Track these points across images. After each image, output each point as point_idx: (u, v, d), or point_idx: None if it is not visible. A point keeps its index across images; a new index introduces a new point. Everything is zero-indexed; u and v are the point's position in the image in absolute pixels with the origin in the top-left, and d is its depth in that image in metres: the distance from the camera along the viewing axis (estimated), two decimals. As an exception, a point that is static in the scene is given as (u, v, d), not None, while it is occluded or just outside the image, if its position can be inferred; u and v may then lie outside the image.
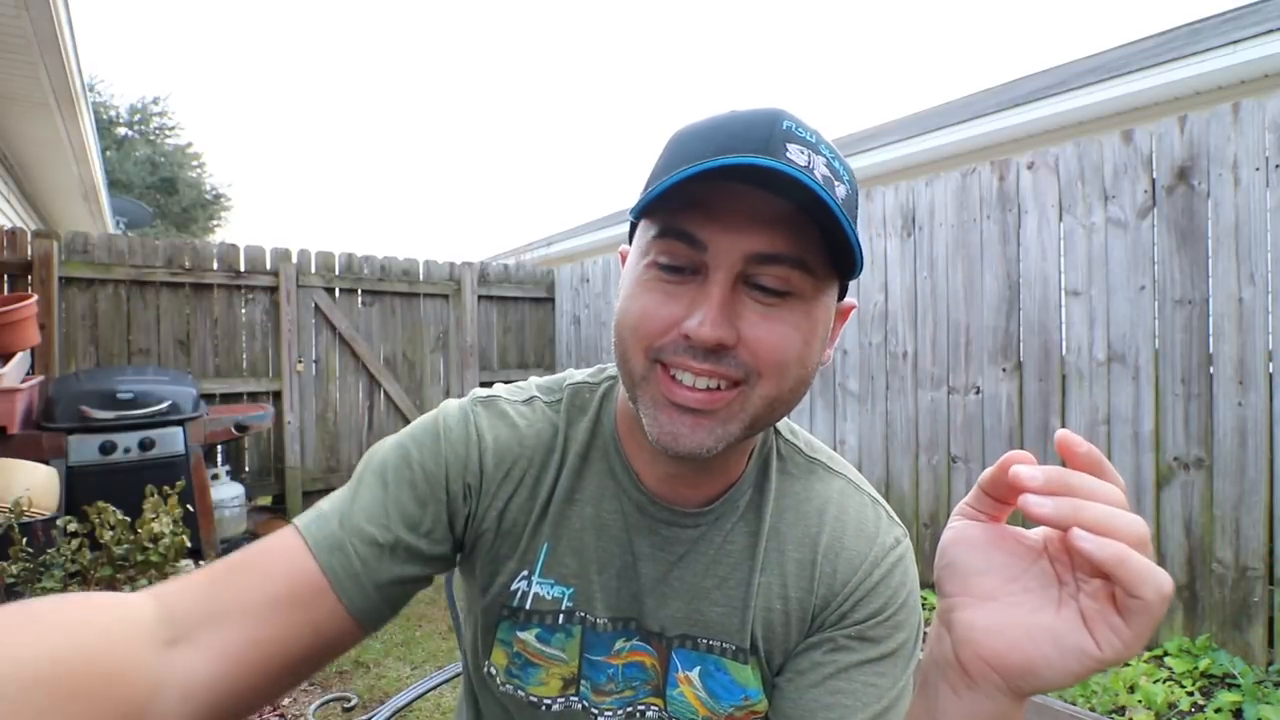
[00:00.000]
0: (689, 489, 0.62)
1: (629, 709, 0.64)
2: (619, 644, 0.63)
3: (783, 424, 0.68)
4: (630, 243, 0.61)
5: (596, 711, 0.64)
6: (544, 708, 0.65)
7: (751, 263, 0.50)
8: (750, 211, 0.49)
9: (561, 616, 0.63)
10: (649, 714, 0.64)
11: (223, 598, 0.49)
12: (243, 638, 0.48)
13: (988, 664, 0.40)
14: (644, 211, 0.52)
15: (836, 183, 0.50)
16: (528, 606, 0.63)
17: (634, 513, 0.63)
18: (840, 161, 0.52)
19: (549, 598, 0.63)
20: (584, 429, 0.65)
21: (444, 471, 0.60)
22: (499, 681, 0.66)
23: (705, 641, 0.62)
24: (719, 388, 0.52)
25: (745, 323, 0.51)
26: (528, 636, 0.63)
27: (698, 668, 0.62)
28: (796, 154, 0.48)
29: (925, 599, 2.99)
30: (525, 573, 0.63)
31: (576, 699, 0.64)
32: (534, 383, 0.69)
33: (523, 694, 0.65)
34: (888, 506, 0.67)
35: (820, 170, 0.49)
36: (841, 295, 0.58)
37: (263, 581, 0.51)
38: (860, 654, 0.58)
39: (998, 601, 0.40)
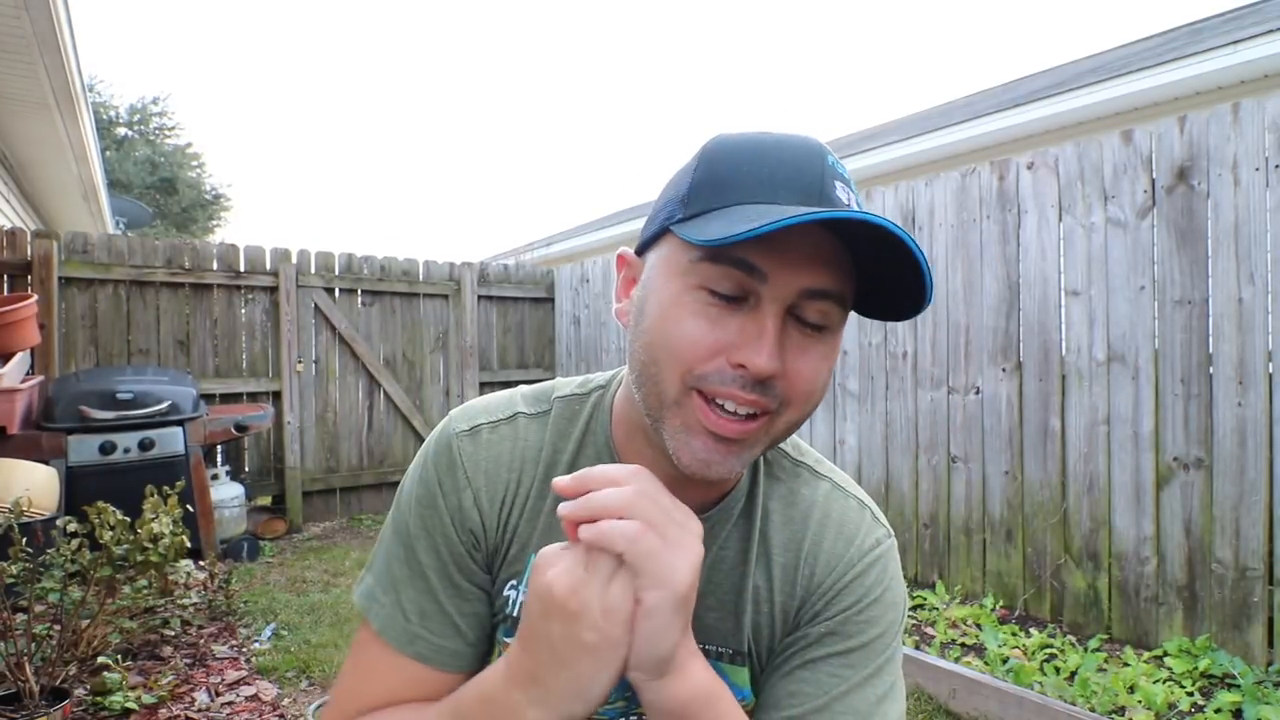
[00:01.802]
0: (687, 497, 0.61)
1: (624, 719, 0.64)
2: None
3: None
4: (641, 248, 0.60)
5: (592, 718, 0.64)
6: None
7: (802, 296, 0.51)
8: (811, 248, 0.51)
9: None
10: None
11: None
12: None
13: None
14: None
15: None
16: (515, 614, 0.63)
17: None
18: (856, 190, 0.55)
19: None
20: (573, 440, 0.65)
21: (453, 529, 0.62)
22: None
23: (702, 646, 0.62)
24: (754, 415, 0.53)
25: (789, 355, 0.52)
26: None
27: None
28: (842, 192, 0.52)
29: (925, 599, 2.99)
30: (514, 581, 0.63)
31: None
32: (519, 393, 0.69)
33: None
34: (874, 508, 0.67)
35: (854, 205, 0.52)
36: None
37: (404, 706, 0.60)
38: (827, 648, 0.59)
39: None
